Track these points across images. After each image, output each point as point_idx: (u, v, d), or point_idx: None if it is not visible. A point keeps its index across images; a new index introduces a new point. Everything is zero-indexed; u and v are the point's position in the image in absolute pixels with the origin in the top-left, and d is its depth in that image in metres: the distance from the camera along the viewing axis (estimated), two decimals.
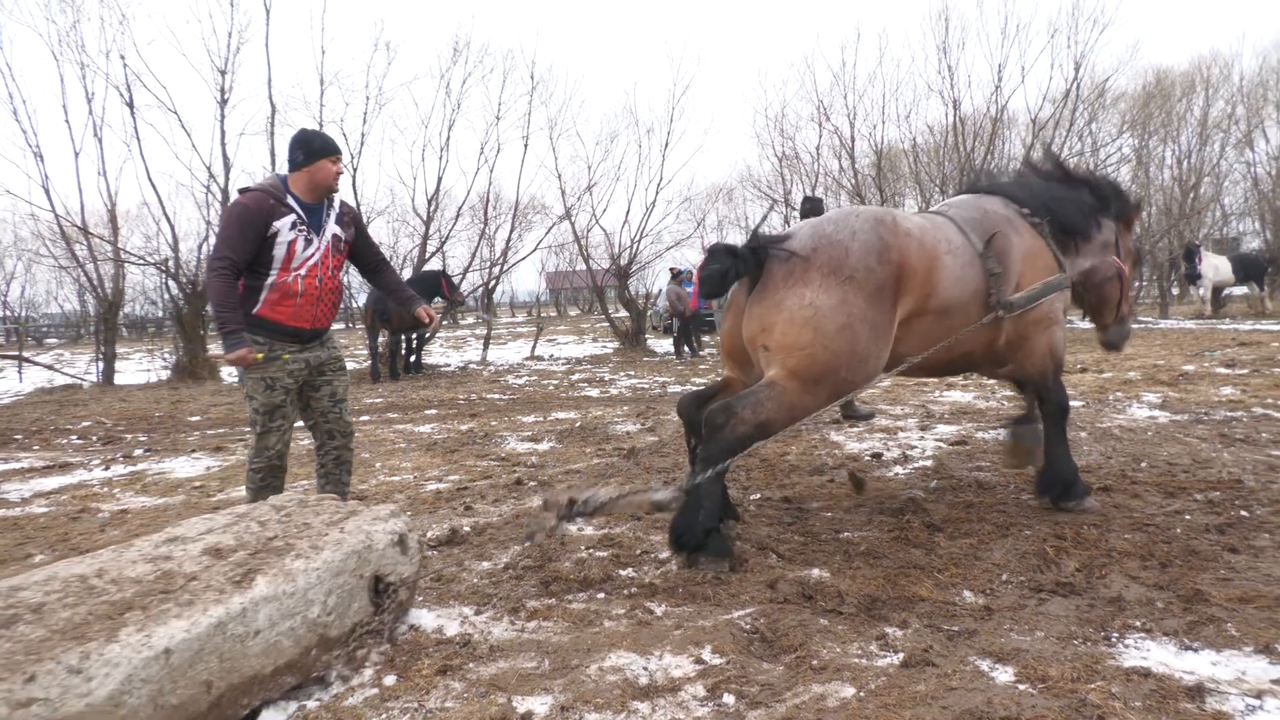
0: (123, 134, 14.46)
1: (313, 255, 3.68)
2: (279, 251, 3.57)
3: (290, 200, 3.62)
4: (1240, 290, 22.02)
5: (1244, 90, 26.84)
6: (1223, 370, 9.26)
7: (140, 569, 2.38)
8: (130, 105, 13.99)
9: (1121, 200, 4.51)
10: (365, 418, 8.92)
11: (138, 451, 7.18)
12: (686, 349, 16.57)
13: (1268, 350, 11.04)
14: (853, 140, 20.10)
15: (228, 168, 14.59)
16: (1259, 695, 2.18)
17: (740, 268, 3.45)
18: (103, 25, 13.76)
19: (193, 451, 7.04)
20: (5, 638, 1.98)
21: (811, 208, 7.66)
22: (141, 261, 15.32)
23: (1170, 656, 2.44)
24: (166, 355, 14.75)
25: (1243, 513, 3.86)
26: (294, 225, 3.60)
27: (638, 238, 19.32)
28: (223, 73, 14.39)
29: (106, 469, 6.43)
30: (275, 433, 3.73)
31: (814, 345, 3.29)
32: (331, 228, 3.77)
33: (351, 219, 3.93)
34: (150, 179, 15.02)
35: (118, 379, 14.29)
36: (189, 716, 2.10)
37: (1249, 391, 7.60)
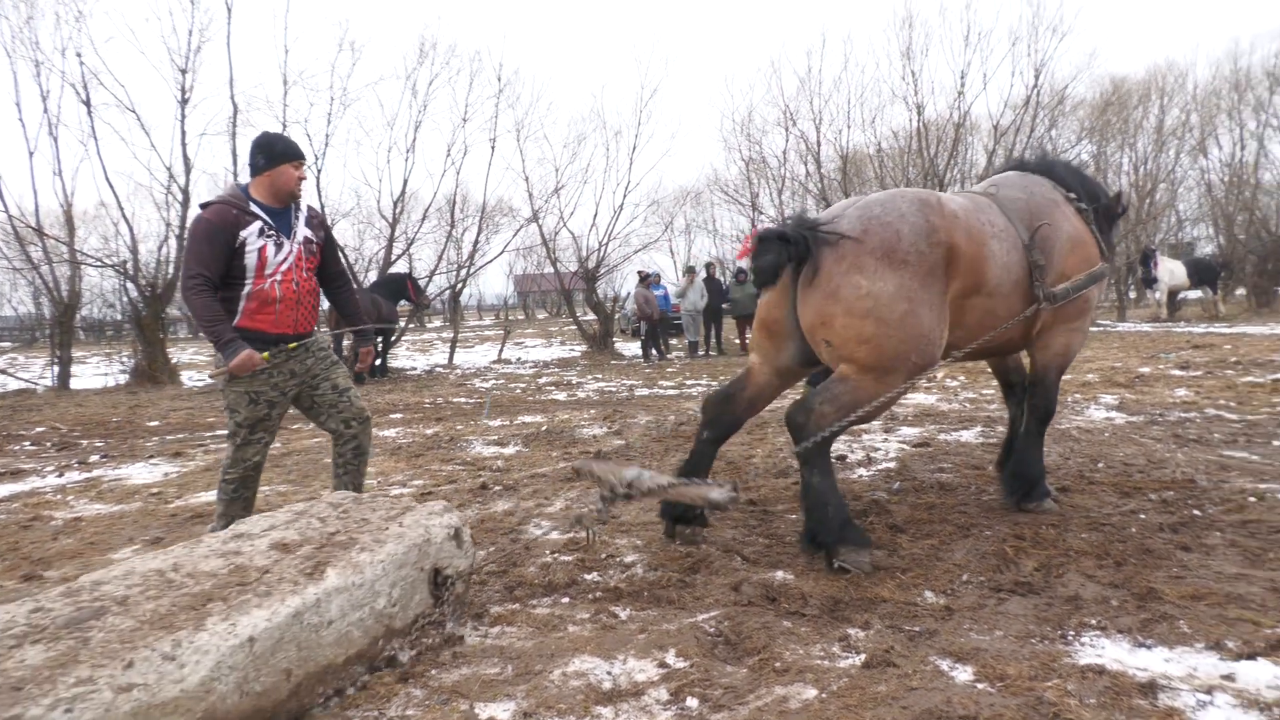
0: (79, 133, 14.11)
1: (285, 259, 3.62)
2: (250, 260, 3.51)
3: (254, 207, 3.56)
4: (1195, 294, 22.55)
5: (1198, 99, 27.58)
6: (1177, 372, 9.48)
7: (213, 563, 2.50)
8: (87, 104, 13.71)
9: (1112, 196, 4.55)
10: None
11: (93, 458, 7.02)
12: (654, 352, 16.59)
13: (1220, 353, 11.32)
14: (819, 145, 20.32)
15: (188, 168, 14.35)
16: (1209, 691, 2.23)
17: (792, 253, 3.34)
18: (58, 22, 13.46)
19: (151, 457, 6.90)
20: (98, 628, 2.09)
21: None
22: (99, 263, 14.98)
23: (1124, 654, 2.49)
24: (125, 359, 14.42)
25: (1195, 512, 3.95)
26: (262, 232, 3.54)
27: (605, 241, 19.35)
28: (183, 71, 14.15)
29: (60, 476, 6.28)
30: (255, 445, 3.69)
31: (878, 336, 3.22)
32: (302, 230, 3.72)
33: (320, 223, 3.88)
34: (108, 179, 14.60)
35: (74, 383, 13.96)
36: (271, 704, 2.18)
37: (1202, 393, 7.78)
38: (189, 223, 14.51)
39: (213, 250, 3.44)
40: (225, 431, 3.69)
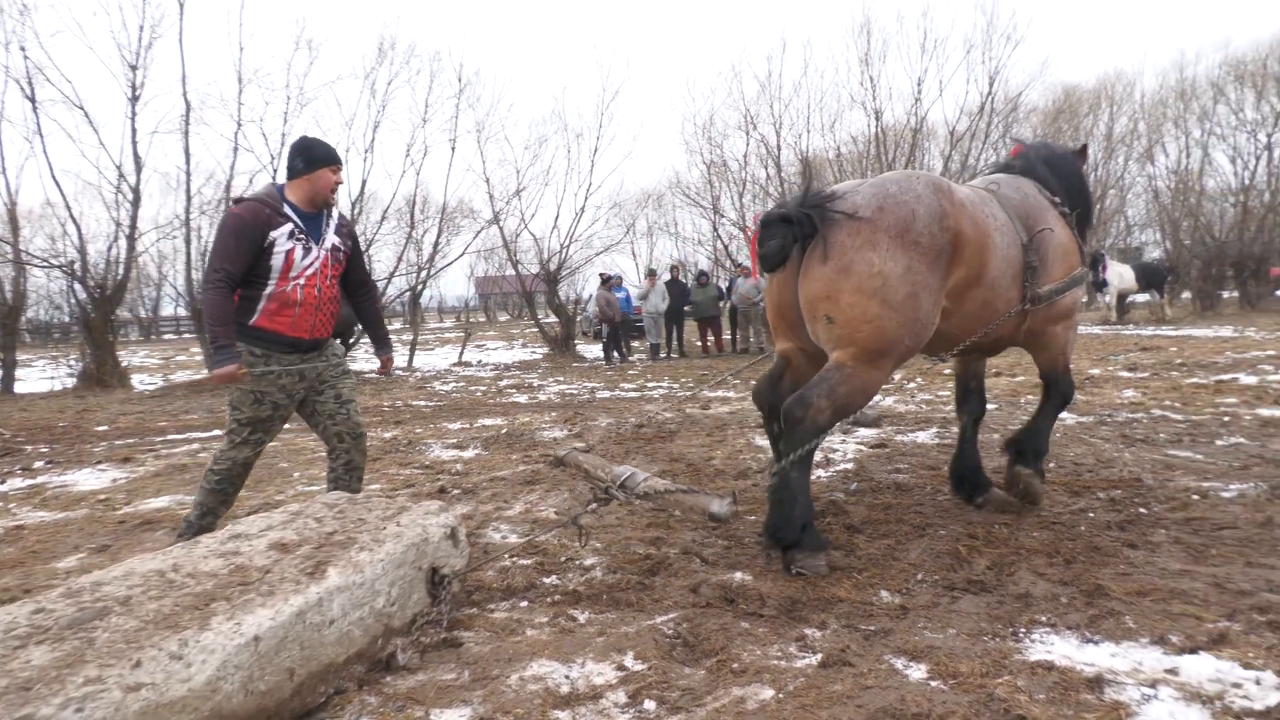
0: (24, 129, 13.72)
1: (312, 264, 3.58)
2: (277, 261, 3.47)
3: (287, 209, 3.52)
4: (1143, 298, 23.15)
5: (1145, 107, 28.36)
6: (1125, 374, 9.73)
7: (213, 563, 2.52)
8: (32, 99, 13.33)
9: (1075, 150, 4.60)
10: (285, 426, 8.66)
11: (38, 464, 6.82)
12: (616, 354, 16.59)
13: (1166, 355, 11.64)
14: (779, 149, 20.47)
15: (139, 167, 14.03)
16: (1153, 684, 2.28)
17: (798, 234, 3.28)
18: (1, 15, 13.08)
19: (98, 463, 6.72)
20: (102, 628, 2.10)
21: None
22: (45, 264, 14.57)
23: (1073, 649, 2.54)
24: (72, 362, 14.04)
25: (1141, 510, 4.05)
26: (291, 234, 3.50)
27: (567, 243, 19.32)
28: (134, 68, 13.83)
29: (2, 483, 6.09)
30: (251, 446, 3.67)
31: (882, 317, 3.18)
32: (331, 237, 3.68)
33: (349, 231, 3.84)
34: (54, 177, 14.26)
35: (18, 387, 13.56)
36: (275, 703, 2.18)
37: (1149, 394, 7.99)
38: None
39: (239, 246, 3.39)
40: (223, 427, 3.66)
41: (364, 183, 17.05)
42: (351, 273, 3.89)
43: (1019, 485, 4.07)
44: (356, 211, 17.07)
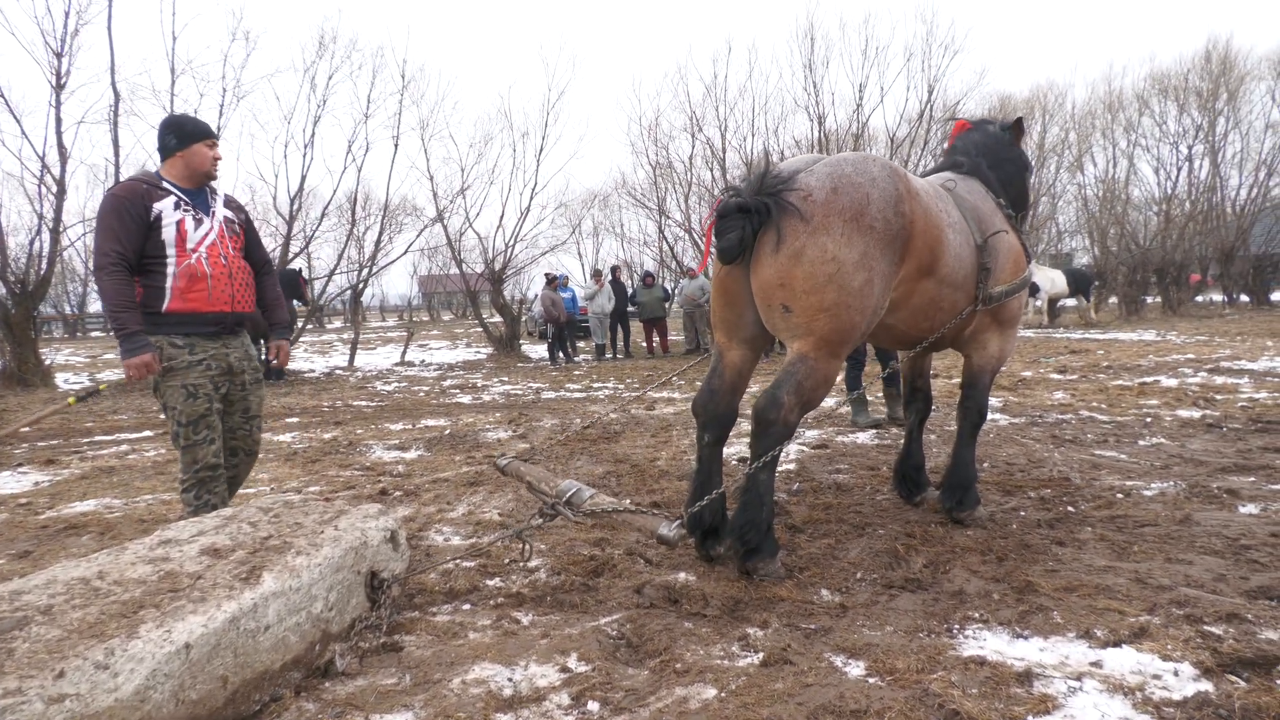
0: None
1: (208, 235, 3.42)
2: (168, 234, 3.31)
3: (166, 185, 3.38)
4: (1072, 302, 23.96)
5: (1076, 118, 29.34)
6: (1055, 376, 10.05)
7: (141, 570, 2.46)
8: None
9: (1012, 124, 4.51)
10: None
11: None
12: (561, 355, 16.54)
13: (1094, 358, 12.06)
14: (724, 151, 20.60)
15: (64, 158, 13.46)
16: (1079, 677, 2.37)
17: (756, 223, 3.15)
18: None
19: (19, 465, 6.45)
20: (23, 638, 2.04)
21: None
22: None
23: (1004, 645, 2.62)
24: None
25: (1069, 508, 4.19)
26: (178, 205, 3.35)
27: (512, 242, 19.18)
28: (59, 55, 13.28)
29: None
30: (204, 445, 3.46)
31: (838, 305, 3.09)
32: (221, 210, 3.53)
33: (238, 206, 3.70)
34: None
35: None
36: (208, 711, 2.14)
37: (1077, 396, 8.27)
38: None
39: (123, 224, 3.23)
40: (168, 435, 3.47)
41: (303, 178, 16.70)
42: (248, 251, 3.74)
43: (966, 524, 4.00)
44: (295, 208, 16.71)
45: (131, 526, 4.40)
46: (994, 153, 4.30)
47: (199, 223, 3.41)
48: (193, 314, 3.39)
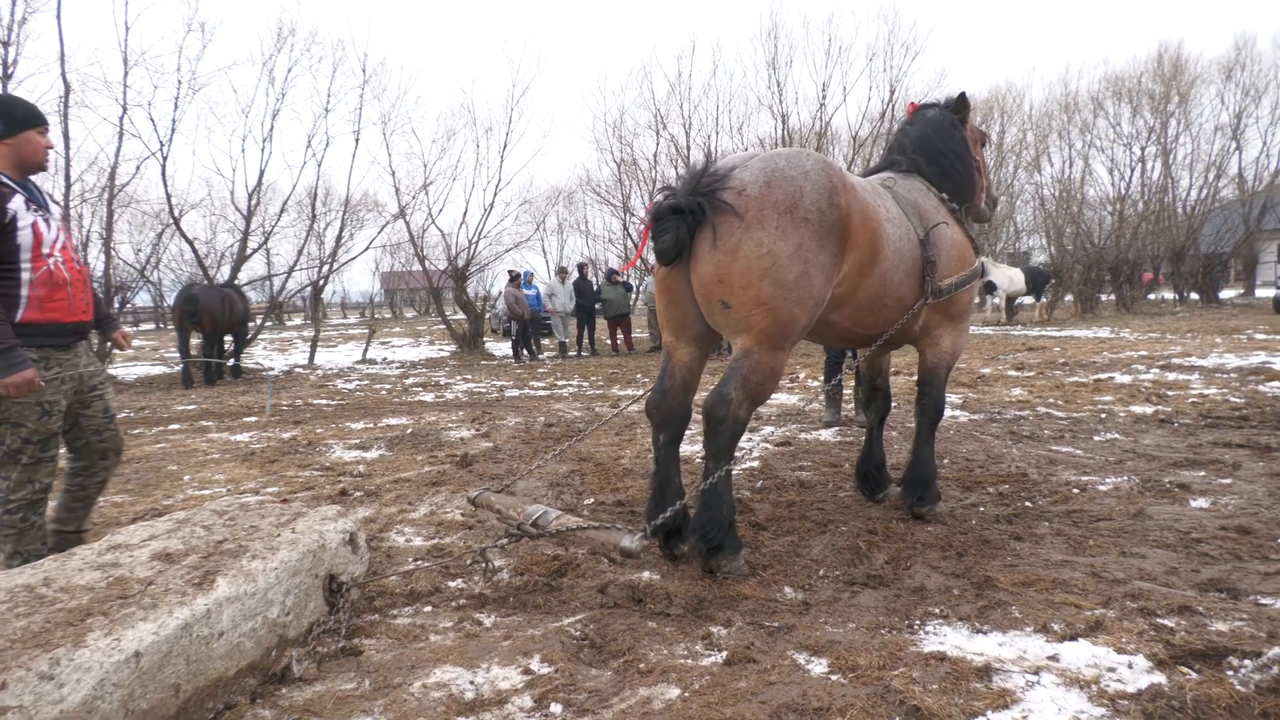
0: None
1: (58, 236, 3.13)
2: (25, 238, 2.98)
3: (4, 179, 3.01)
4: (1029, 299, 24.41)
5: (1033, 119, 29.90)
6: (1013, 373, 10.21)
7: (89, 576, 2.38)
8: None
9: (954, 102, 4.51)
10: (175, 426, 8.26)
11: None
12: (525, 352, 16.45)
13: (1050, 355, 12.29)
14: (689, 149, 20.65)
15: None
16: (1037, 671, 2.40)
17: (691, 223, 3.15)
18: None
19: None
20: None
21: None
22: None
23: (964, 640, 2.65)
24: None
25: (1027, 504, 4.26)
26: (28, 204, 3.04)
27: (475, 239, 19.04)
28: (5, 44, 12.89)
29: None
30: (47, 464, 3.16)
31: (775, 299, 3.09)
32: (53, 206, 3.23)
33: (51, 199, 3.38)
34: None
35: None
36: None
37: (1034, 392, 8.42)
38: None
39: None
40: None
41: (262, 173, 16.41)
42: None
43: (927, 519, 4.05)
44: (254, 203, 16.41)
45: None
46: (931, 145, 4.29)
47: (48, 223, 3.11)
48: (52, 324, 3.11)
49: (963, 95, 4.49)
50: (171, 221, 15.24)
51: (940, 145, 4.28)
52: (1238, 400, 7.27)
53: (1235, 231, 28.17)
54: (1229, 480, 4.57)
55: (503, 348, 19.16)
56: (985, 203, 4.71)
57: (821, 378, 10.13)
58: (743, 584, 3.20)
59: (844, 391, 7.31)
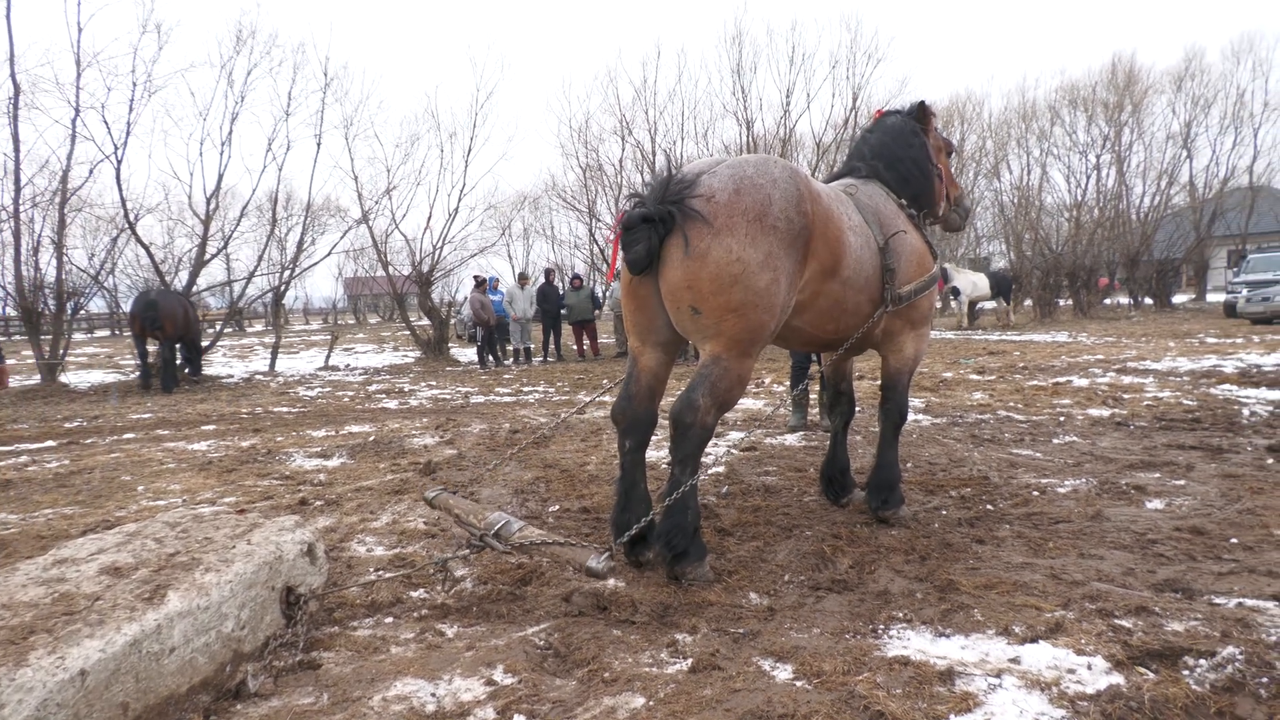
0: None
1: None
2: None
3: None
4: (991, 304, 24.81)
5: (992, 127, 30.42)
6: (975, 377, 10.35)
7: (33, 592, 2.32)
8: None
9: (915, 110, 4.52)
10: (130, 435, 8.07)
11: None
12: (490, 358, 16.35)
13: (1011, 359, 12.48)
14: (654, 155, 20.70)
15: None
16: (999, 674, 2.42)
17: (661, 231, 3.14)
18: None
19: None
20: None
21: None
22: None
23: (927, 644, 2.66)
24: None
25: (988, 506, 4.31)
26: None
27: (440, 244, 18.89)
28: None
29: None
30: None
31: (745, 305, 3.10)
32: None
33: None
34: None
35: None
36: None
37: (995, 396, 8.54)
38: None
39: None
40: None
41: (220, 177, 16.12)
42: None
43: (890, 523, 4.07)
44: (212, 207, 16.11)
45: (29, 544, 4.14)
46: (890, 151, 4.30)
47: None
48: None
49: (923, 103, 4.51)
50: (127, 226, 14.92)
51: (899, 152, 4.30)
52: (1190, 403, 7.44)
53: (1187, 238, 28.93)
54: (1183, 482, 4.66)
55: (468, 354, 19.01)
56: (955, 211, 4.75)
57: (788, 383, 10.18)
58: (708, 590, 3.19)
59: (809, 396, 7.34)
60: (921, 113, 4.50)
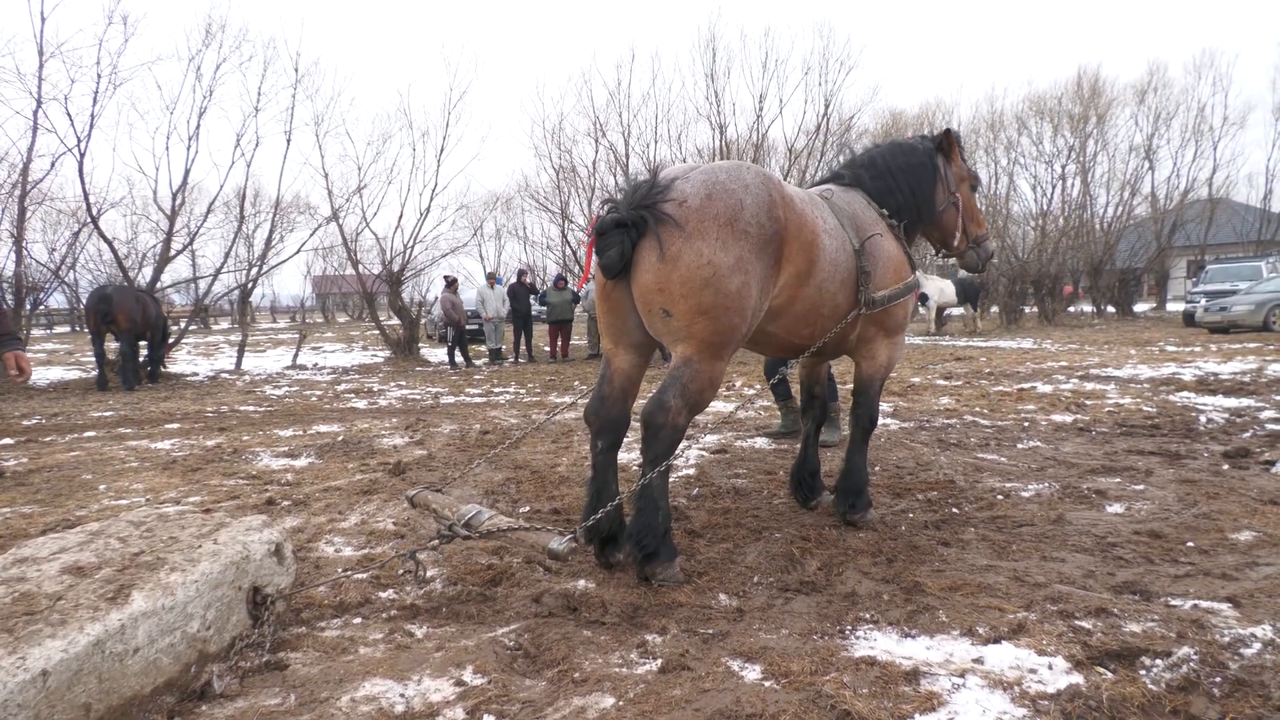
0: None
1: None
2: None
3: None
4: (958, 311, 25.14)
5: (961, 135, 30.78)
6: (942, 382, 10.49)
7: None
8: None
9: (939, 137, 4.54)
10: (91, 433, 7.92)
11: None
12: (461, 359, 16.26)
13: (977, 365, 12.66)
14: (627, 157, 20.71)
15: None
16: (963, 674, 2.46)
17: (634, 236, 3.18)
18: None
19: None
20: None
21: None
22: None
23: (893, 644, 2.70)
24: None
25: (954, 509, 4.37)
26: None
27: (411, 243, 18.76)
28: None
29: None
30: None
31: (716, 308, 3.13)
32: None
33: None
34: None
35: None
36: None
37: (961, 401, 8.66)
38: None
39: None
40: None
41: (187, 172, 15.89)
42: None
43: (858, 526, 4.10)
44: (178, 203, 15.86)
45: None
46: (881, 163, 4.32)
47: None
48: None
49: (948, 131, 4.53)
50: (89, 220, 14.65)
51: (890, 163, 4.32)
52: (1150, 409, 7.60)
53: (1148, 247, 29.57)
54: (1142, 486, 4.76)
55: (438, 354, 18.89)
56: (975, 250, 4.64)
57: (758, 386, 10.25)
58: (678, 591, 3.21)
59: (793, 398, 7.37)
60: (945, 140, 4.51)
